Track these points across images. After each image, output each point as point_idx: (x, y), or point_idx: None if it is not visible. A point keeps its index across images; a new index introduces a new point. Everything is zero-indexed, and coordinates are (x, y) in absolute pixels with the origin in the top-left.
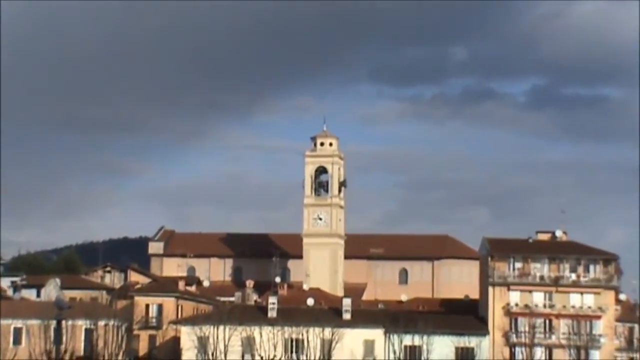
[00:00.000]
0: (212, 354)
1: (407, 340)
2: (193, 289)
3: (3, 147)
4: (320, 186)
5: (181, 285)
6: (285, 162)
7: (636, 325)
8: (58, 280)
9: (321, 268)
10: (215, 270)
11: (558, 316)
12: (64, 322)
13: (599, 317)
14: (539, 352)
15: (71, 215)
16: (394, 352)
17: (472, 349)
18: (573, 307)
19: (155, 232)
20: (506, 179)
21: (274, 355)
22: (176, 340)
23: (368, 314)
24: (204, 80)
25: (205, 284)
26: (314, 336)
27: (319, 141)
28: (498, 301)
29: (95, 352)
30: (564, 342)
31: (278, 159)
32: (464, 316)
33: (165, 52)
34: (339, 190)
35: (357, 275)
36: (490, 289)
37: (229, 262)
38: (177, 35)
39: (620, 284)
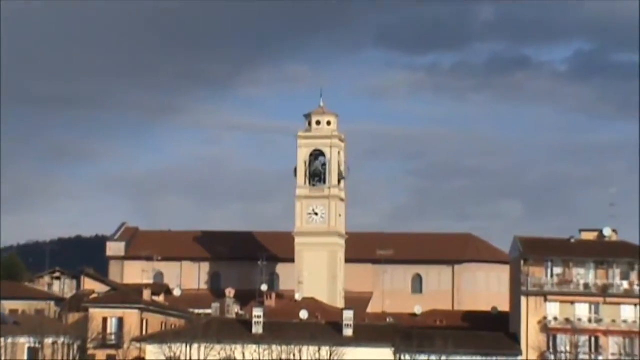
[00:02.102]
0: None
1: None
2: (161, 299)
3: None
4: (316, 174)
5: (146, 294)
6: (274, 144)
7: None
8: None
9: (317, 274)
10: (188, 277)
11: (606, 333)
12: (2, 339)
13: None
14: None
15: (12, 210)
16: None
17: None
18: (625, 321)
19: (115, 230)
20: (543, 165)
21: None
22: None
23: (374, 330)
24: (176, 46)
25: (176, 292)
26: (308, 356)
27: (314, 119)
28: (533, 314)
29: None
30: None
31: (265, 141)
32: (492, 333)
33: (128, 14)
34: (339, 180)
35: (360, 282)
36: (524, 299)
37: (205, 267)
38: None
39: None
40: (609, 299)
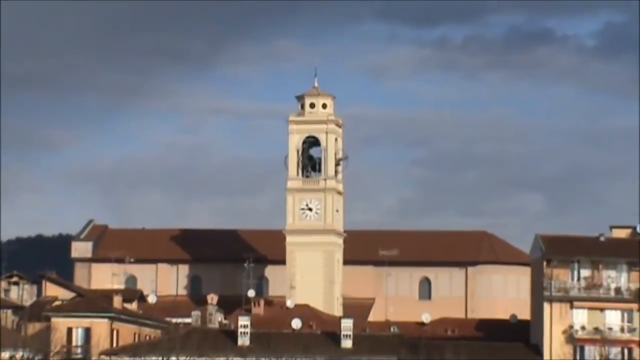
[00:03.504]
0: None
1: None
2: (134, 306)
3: None
4: (310, 164)
5: (117, 301)
6: (262, 131)
7: None
8: None
9: (312, 277)
10: (164, 281)
11: None
12: None
13: None
14: None
15: None
16: None
17: None
18: None
19: (81, 228)
20: (568, 153)
21: None
22: None
23: (376, 341)
24: (147, 19)
25: (151, 299)
26: None
27: (307, 102)
28: (557, 323)
29: None
30: None
31: (251, 127)
32: (510, 344)
33: None
34: (336, 170)
35: (361, 287)
36: (547, 305)
37: (184, 270)
38: None
39: None
40: None
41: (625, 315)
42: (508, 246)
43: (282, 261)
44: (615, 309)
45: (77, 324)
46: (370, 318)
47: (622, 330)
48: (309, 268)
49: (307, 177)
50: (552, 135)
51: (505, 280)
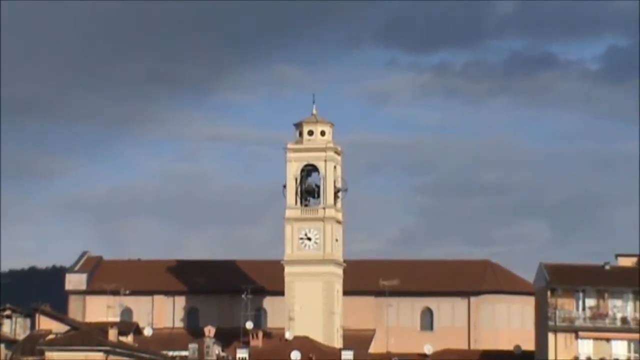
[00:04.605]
0: None
1: None
2: (129, 339)
3: None
4: (309, 192)
5: (112, 334)
6: (260, 158)
7: None
8: None
9: (311, 308)
10: (160, 313)
11: None
12: None
13: None
14: None
15: None
16: None
17: None
18: None
19: (75, 260)
20: (572, 180)
21: None
22: None
23: None
24: (145, 44)
25: (147, 332)
26: None
27: (306, 129)
28: (563, 353)
29: None
30: None
31: (249, 155)
32: None
33: (92, 7)
34: (335, 198)
35: (361, 318)
36: (551, 336)
37: (180, 301)
38: None
39: None
40: None
41: (632, 345)
42: (512, 275)
43: (280, 292)
44: (622, 339)
45: (72, 358)
46: (371, 349)
47: None
48: (308, 299)
49: (306, 206)
50: (557, 162)
51: (509, 310)
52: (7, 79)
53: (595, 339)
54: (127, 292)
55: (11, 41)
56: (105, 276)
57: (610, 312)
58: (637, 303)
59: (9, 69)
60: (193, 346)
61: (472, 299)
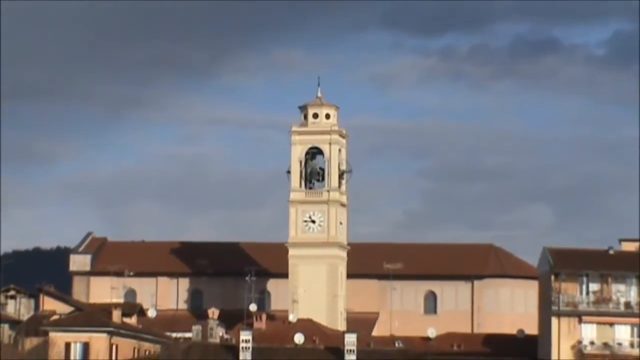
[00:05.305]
0: None
1: None
2: (133, 320)
3: None
4: (313, 175)
5: (116, 315)
6: (264, 141)
7: None
8: None
9: (315, 291)
10: (164, 295)
11: None
12: None
13: None
14: None
15: None
16: None
17: None
18: None
19: (80, 241)
20: (576, 165)
21: None
22: None
23: (381, 356)
24: (147, 27)
25: (151, 313)
26: None
27: (311, 112)
28: (566, 338)
29: None
30: None
31: (253, 138)
32: (517, 359)
33: None
34: (340, 182)
35: (365, 301)
36: (555, 320)
37: (184, 283)
38: None
39: None
40: None
41: (635, 330)
42: (515, 259)
43: (284, 274)
44: (625, 323)
45: (75, 339)
46: (375, 333)
47: (631, 345)
48: (312, 282)
49: (310, 189)
50: (560, 146)
51: (513, 294)
52: (9, 62)
53: (599, 323)
54: (131, 273)
55: (12, 25)
56: (110, 257)
57: (613, 297)
58: None
59: (11, 53)
60: (197, 328)
61: (476, 282)
